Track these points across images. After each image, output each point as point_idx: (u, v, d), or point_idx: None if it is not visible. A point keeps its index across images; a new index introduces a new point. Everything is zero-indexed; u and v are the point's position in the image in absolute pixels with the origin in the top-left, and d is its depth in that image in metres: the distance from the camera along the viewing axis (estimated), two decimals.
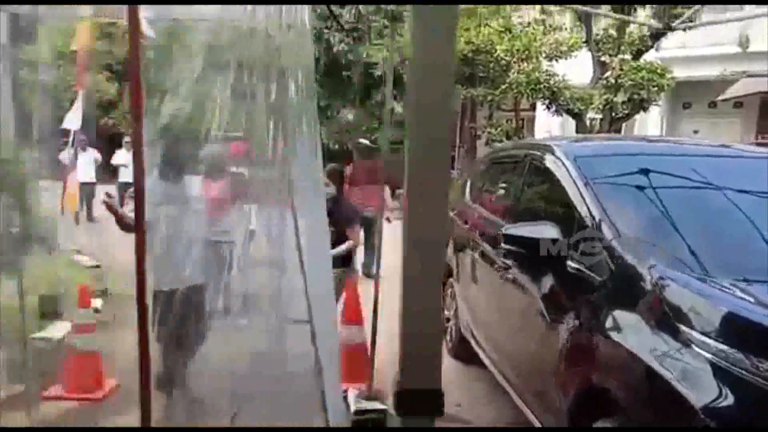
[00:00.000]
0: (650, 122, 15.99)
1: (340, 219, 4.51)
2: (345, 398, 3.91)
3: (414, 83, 1.30)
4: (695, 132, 14.00)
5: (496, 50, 14.22)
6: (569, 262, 2.84)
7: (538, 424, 3.12)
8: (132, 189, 2.79)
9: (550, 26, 15.46)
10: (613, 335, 2.35)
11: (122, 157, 11.24)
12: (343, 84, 16.85)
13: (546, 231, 2.89)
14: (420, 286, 1.42)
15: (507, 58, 14.23)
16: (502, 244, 3.08)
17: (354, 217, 4.84)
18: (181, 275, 3.63)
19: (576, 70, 14.57)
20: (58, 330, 5.34)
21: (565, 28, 15.32)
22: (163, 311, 3.42)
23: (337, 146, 16.80)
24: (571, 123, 14.70)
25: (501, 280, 3.66)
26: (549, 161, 3.56)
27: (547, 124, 17.00)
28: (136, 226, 2.22)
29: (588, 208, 2.90)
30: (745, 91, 14.68)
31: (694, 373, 1.97)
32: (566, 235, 2.91)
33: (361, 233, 8.55)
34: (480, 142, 17.38)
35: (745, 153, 3.86)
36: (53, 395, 4.10)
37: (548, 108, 13.99)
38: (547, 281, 2.99)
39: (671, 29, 6.00)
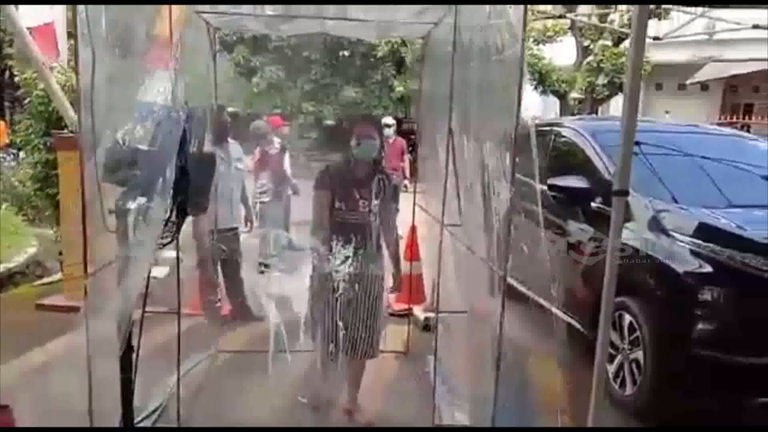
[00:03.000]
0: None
1: None
2: (413, 314, 5.31)
3: None
4: (666, 112, 15.57)
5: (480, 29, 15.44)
6: (593, 204, 4.25)
7: (571, 321, 4.52)
8: None
9: (537, 11, 16.77)
10: (627, 243, 3.76)
11: None
12: (343, 63, 17.93)
13: (580, 182, 4.30)
14: None
15: None
16: (547, 192, 4.44)
17: None
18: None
19: (558, 54, 16.00)
20: (159, 272, 6.66)
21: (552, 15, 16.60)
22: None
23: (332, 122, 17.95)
24: (550, 102, 16.16)
25: (534, 223, 5.03)
26: (572, 135, 4.97)
27: (527, 103, 18.37)
28: None
29: (606, 165, 4.31)
30: (711, 76, 16.31)
31: (678, 256, 3.44)
32: (590, 184, 4.32)
33: None
34: None
35: (708, 131, 5.46)
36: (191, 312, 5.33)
37: (536, 89, 15.38)
38: (578, 217, 4.39)
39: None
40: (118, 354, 2.42)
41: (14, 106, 17.76)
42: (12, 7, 5.17)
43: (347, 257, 3.17)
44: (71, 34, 7.65)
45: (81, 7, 2.07)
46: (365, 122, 3.52)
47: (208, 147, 5.00)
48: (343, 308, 3.20)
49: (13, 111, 17.89)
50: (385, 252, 3.47)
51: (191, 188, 2.27)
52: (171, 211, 2.26)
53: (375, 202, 3.29)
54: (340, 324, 3.20)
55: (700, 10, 6.60)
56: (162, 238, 2.32)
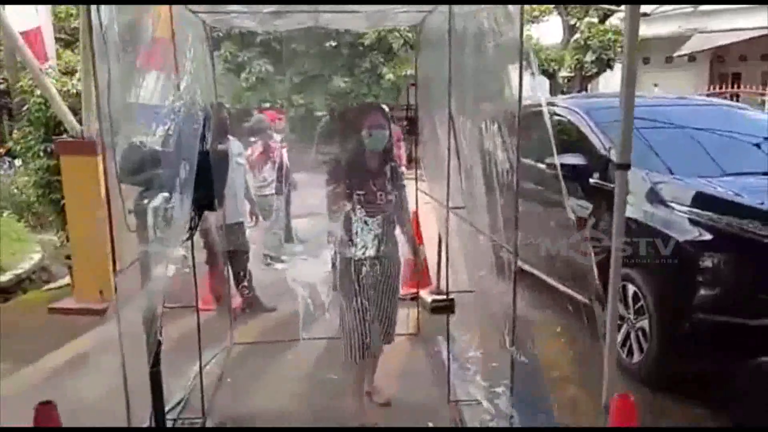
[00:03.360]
0: (613, 78, 17.61)
1: None
2: (420, 297, 5.41)
3: None
4: (655, 85, 15.65)
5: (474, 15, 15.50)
6: (590, 180, 4.35)
7: (570, 292, 4.63)
8: None
9: None
10: (627, 215, 3.86)
11: None
12: (331, 53, 17.89)
13: (577, 158, 4.39)
14: None
15: None
16: (545, 170, 4.54)
17: None
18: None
19: (545, 33, 16.07)
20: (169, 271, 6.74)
21: None
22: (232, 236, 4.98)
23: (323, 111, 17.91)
24: (539, 81, 16.22)
25: (535, 201, 5.13)
26: (566, 113, 5.06)
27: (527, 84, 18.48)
28: None
29: (601, 142, 4.40)
30: (698, 47, 16.40)
31: (677, 225, 3.55)
32: (587, 160, 4.41)
33: None
34: None
35: (697, 102, 5.58)
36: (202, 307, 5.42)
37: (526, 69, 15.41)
38: (576, 194, 4.49)
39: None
40: (147, 348, 2.51)
41: (1, 113, 17.67)
42: (2, 12, 5.18)
43: (366, 246, 3.22)
44: (58, 39, 7.66)
45: (93, 12, 2.11)
46: (374, 110, 3.33)
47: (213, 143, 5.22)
48: (366, 293, 3.24)
49: (1, 117, 17.80)
50: (401, 239, 3.48)
51: (214, 184, 2.34)
52: (193, 209, 2.34)
53: (390, 191, 3.29)
54: (367, 305, 3.23)
55: None
56: (182, 233, 2.39)
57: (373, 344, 3.32)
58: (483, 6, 2.96)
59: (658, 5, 8.68)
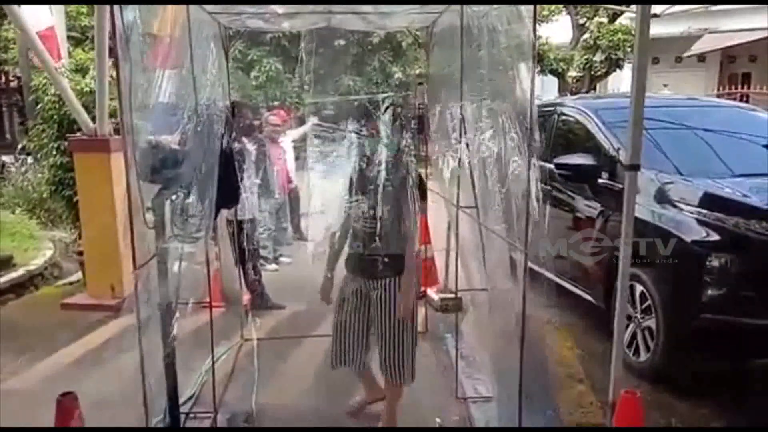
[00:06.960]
0: (622, 78, 17.57)
1: None
2: (427, 295, 5.44)
3: None
4: (665, 86, 15.57)
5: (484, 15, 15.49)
6: (599, 180, 4.37)
7: (578, 292, 4.66)
8: None
9: None
10: (635, 215, 3.88)
11: None
12: (341, 52, 17.89)
13: (586, 159, 4.41)
14: None
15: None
16: (554, 170, 4.56)
17: None
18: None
19: (554, 33, 16.04)
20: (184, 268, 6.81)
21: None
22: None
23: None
24: (548, 81, 16.21)
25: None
26: (575, 114, 5.08)
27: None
28: None
29: (610, 142, 4.43)
30: (708, 47, 16.32)
31: (685, 225, 3.57)
32: (596, 161, 4.44)
33: None
34: None
35: (707, 103, 5.68)
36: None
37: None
38: (585, 193, 4.51)
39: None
40: (163, 343, 2.56)
41: (12, 111, 17.84)
42: (20, 13, 5.25)
43: None
44: (69, 37, 7.73)
45: (115, 11, 2.15)
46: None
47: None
48: None
49: (12, 115, 17.97)
50: None
51: (232, 182, 2.40)
52: (212, 205, 2.39)
53: None
54: None
55: None
56: (198, 231, 2.45)
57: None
58: (494, 6, 2.99)
59: (667, 6, 8.62)
